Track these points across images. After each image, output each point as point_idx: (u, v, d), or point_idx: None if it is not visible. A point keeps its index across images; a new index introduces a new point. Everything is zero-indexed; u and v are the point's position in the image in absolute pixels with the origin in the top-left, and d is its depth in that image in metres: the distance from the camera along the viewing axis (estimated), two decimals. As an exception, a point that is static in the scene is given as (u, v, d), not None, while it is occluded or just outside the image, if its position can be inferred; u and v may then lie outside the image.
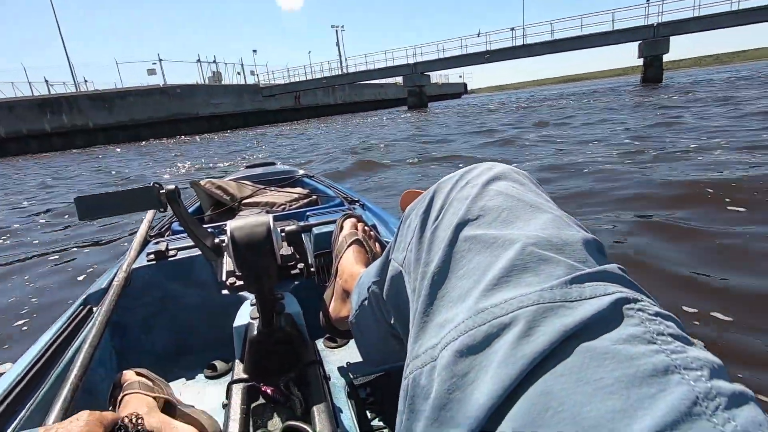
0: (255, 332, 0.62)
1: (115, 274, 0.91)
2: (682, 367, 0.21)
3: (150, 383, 0.63)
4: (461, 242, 0.34)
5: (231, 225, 0.64)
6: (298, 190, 1.71)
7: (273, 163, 2.34)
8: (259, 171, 2.06)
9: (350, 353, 0.92)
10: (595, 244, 0.32)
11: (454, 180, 0.41)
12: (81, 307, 0.85)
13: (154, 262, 0.96)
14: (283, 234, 0.75)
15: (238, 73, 33.40)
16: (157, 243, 1.05)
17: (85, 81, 26.58)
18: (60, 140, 21.02)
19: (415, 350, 0.32)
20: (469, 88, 79.71)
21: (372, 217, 1.24)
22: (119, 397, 0.59)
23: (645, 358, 0.22)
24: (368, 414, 0.70)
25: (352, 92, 38.50)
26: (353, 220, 0.95)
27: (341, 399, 0.76)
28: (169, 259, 0.97)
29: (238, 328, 0.65)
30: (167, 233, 1.26)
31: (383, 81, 37.84)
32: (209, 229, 0.95)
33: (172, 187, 0.65)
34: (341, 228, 0.92)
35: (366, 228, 0.93)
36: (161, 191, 0.64)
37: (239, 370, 0.61)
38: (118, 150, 15.79)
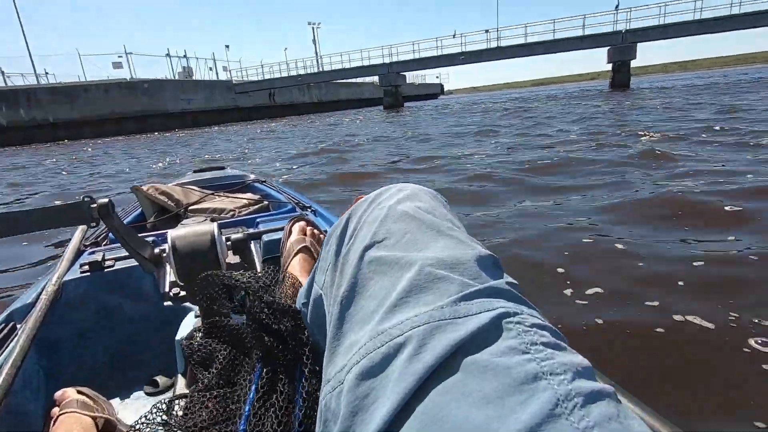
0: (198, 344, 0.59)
1: (44, 287, 0.85)
2: (549, 373, 0.23)
3: (90, 402, 0.61)
4: (368, 264, 0.35)
5: (172, 234, 0.63)
6: (249, 195, 1.64)
7: (222, 167, 2.28)
8: (208, 176, 1.99)
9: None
10: (490, 260, 0.34)
11: (367, 202, 0.42)
12: (2, 324, 0.79)
13: (88, 273, 0.91)
14: (228, 243, 0.74)
15: (210, 69, 32.61)
16: (92, 253, 0.99)
17: (46, 73, 25.35)
18: (18, 135, 19.96)
19: (327, 374, 0.32)
20: (445, 88, 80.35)
21: (324, 223, 1.20)
22: (55, 417, 0.57)
23: (519, 368, 0.24)
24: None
25: (328, 91, 38.18)
26: (302, 224, 0.91)
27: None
28: (106, 270, 0.92)
29: (181, 341, 0.61)
30: (104, 242, 1.18)
31: (360, 80, 37.68)
32: (151, 238, 0.94)
33: (105, 200, 0.61)
34: (290, 233, 0.89)
35: (315, 232, 0.90)
36: (92, 206, 0.60)
37: (182, 385, 0.58)
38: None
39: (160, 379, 0.85)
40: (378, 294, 0.32)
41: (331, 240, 0.43)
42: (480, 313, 0.27)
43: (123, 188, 4.92)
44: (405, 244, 0.35)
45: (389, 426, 0.24)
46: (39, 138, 20.20)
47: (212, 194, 1.63)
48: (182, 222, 1.45)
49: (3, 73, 22.93)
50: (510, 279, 0.33)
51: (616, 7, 21.22)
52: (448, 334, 0.26)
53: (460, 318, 0.27)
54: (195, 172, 2.18)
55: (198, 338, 0.58)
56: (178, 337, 0.63)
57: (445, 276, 0.31)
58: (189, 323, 0.66)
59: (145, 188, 1.52)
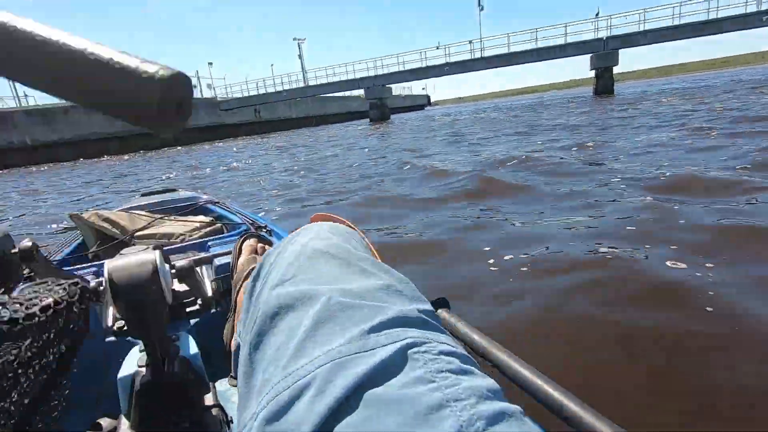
0: (142, 382, 0.57)
1: None
2: (453, 400, 0.23)
3: None
4: (277, 300, 0.34)
5: (109, 266, 0.61)
6: (201, 218, 1.56)
7: (174, 190, 2.16)
8: (157, 199, 1.87)
9: None
10: (403, 286, 0.33)
11: (281, 245, 0.42)
12: None
13: None
14: (173, 271, 0.72)
15: (194, 87, 32.29)
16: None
17: (26, 96, 24.82)
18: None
19: (243, 419, 0.31)
20: (432, 99, 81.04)
21: (278, 241, 1.04)
22: None
23: (424, 398, 0.23)
24: None
25: (315, 105, 38.10)
26: (252, 242, 0.87)
27: None
28: None
29: (123, 379, 0.59)
30: None
31: (347, 93, 37.73)
32: (93, 269, 0.88)
33: (29, 244, 0.56)
34: (239, 252, 0.84)
35: (268, 249, 0.85)
36: (13, 251, 0.55)
37: (125, 427, 0.57)
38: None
39: (104, 422, 0.76)
40: (285, 331, 0.31)
41: (248, 284, 0.42)
42: (387, 344, 0.27)
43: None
44: (314, 279, 0.34)
45: None
46: (17, 161, 19.67)
47: (161, 218, 1.52)
48: (121, 252, 1.28)
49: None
50: (424, 305, 0.32)
51: (597, 15, 21.52)
52: (353, 368, 0.25)
53: (367, 351, 0.26)
54: (143, 195, 2.03)
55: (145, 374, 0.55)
56: (119, 375, 0.59)
57: (354, 305, 0.30)
58: (132, 359, 0.62)
59: (85, 215, 1.39)
